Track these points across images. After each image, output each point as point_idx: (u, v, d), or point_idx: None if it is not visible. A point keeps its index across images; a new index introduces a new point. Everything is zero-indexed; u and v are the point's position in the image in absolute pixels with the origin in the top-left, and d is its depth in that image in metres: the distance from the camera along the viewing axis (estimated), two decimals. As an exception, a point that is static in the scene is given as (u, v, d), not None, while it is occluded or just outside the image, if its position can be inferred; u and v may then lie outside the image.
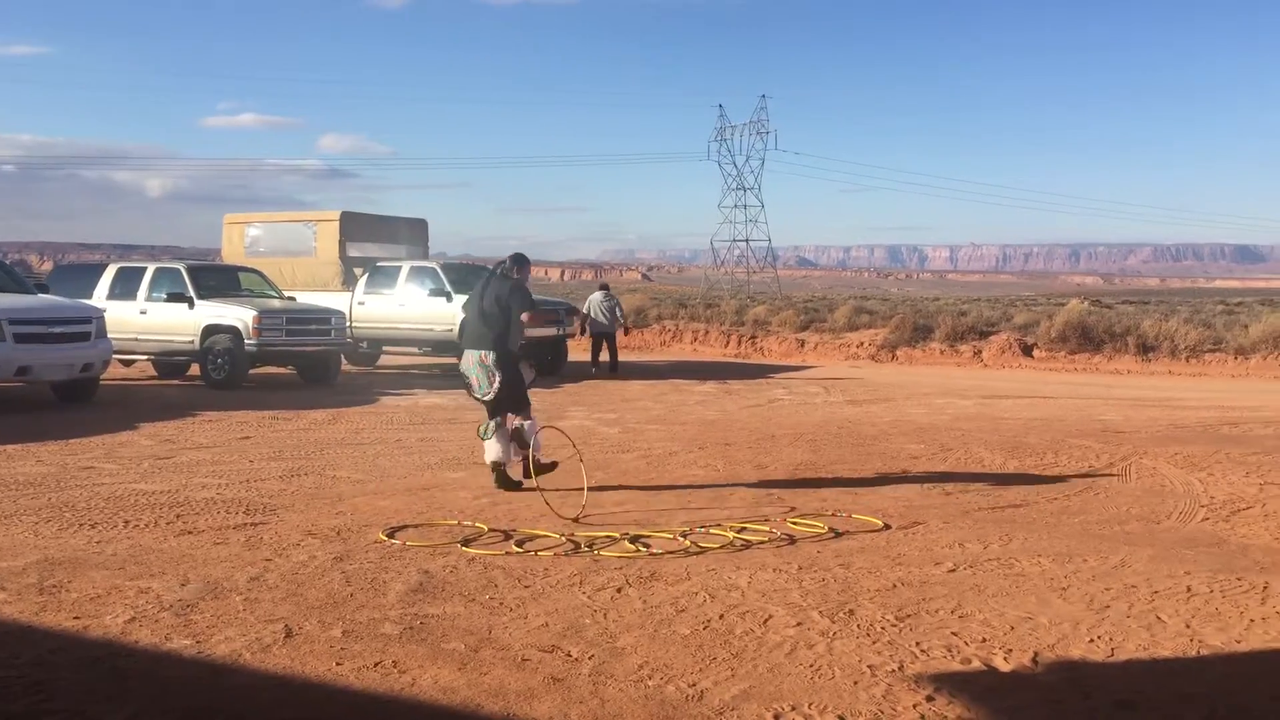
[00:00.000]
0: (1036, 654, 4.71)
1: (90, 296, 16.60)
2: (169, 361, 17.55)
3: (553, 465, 8.39)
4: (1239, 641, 4.91)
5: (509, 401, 8.35)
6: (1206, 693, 4.27)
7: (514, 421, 8.38)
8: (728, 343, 28.29)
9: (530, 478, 8.17)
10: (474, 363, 8.37)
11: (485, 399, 8.36)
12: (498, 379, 8.26)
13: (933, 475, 9.22)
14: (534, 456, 8.23)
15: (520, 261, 8.64)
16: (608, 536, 6.77)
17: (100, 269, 18.21)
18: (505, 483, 8.33)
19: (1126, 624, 5.13)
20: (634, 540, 6.66)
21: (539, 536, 6.77)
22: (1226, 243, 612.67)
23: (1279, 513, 7.72)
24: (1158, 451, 10.52)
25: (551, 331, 19.30)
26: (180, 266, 17.52)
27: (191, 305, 16.46)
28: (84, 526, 6.93)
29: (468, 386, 8.50)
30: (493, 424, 8.38)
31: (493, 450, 8.39)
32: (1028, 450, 10.69)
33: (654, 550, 6.45)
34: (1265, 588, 5.75)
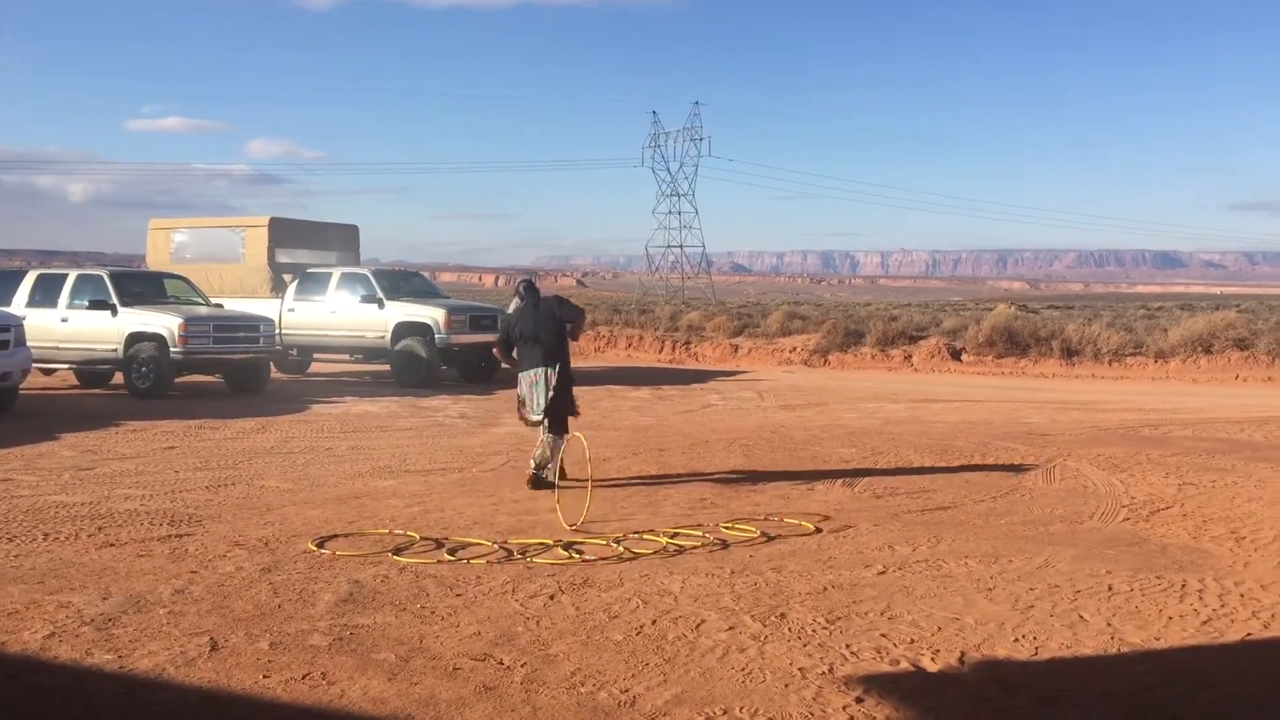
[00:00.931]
0: (963, 654, 4.79)
1: (9, 304, 16.20)
2: (92, 370, 17.13)
3: (550, 486, 8.53)
4: (1158, 639, 5.03)
5: (563, 410, 8.82)
6: (1127, 689, 4.38)
7: (545, 436, 8.76)
8: (662, 348, 28.36)
9: (544, 487, 8.54)
10: (531, 384, 8.80)
11: (541, 411, 8.72)
12: (554, 389, 8.71)
13: (864, 479, 9.33)
14: (548, 470, 8.70)
15: (535, 286, 9.43)
16: (540, 544, 6.76)
17: (19, 276, 17.72)
18: (540, 483, 8.65)
19: (1050, 623, 5.24)
20: (567, 547, 6.65)
21: (471, 544, 6.74)
22: (1148, 249, 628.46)
23: (1197, 512, 7.93)
24: (1081, 453, 10.76)
25: (487, 338, 19.21)
26: (103, 273, 17.15)
27: (115, 313, 16.10)
28: (1, 540, 6.75)
29: (522, 411, 8.91)
30: (559, 442, 8.76)
31: (542, 459, 8.77)
32: (956, 453, 10.87)
33: (587, 557, 6.45)
34: (1183, 586, 5.90)
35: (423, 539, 6.88)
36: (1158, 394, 18.58)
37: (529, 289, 9.31)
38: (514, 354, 9.08)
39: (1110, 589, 5.84)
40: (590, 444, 8.72)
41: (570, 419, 8.94)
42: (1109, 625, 5.21)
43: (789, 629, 5.11)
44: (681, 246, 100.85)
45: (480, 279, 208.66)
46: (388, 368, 18.93)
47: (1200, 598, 5.68)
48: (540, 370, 8.75)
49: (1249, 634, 5.12)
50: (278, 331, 17.96)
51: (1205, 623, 5.27)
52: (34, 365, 14.65)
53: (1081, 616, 5.35)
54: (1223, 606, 5.53)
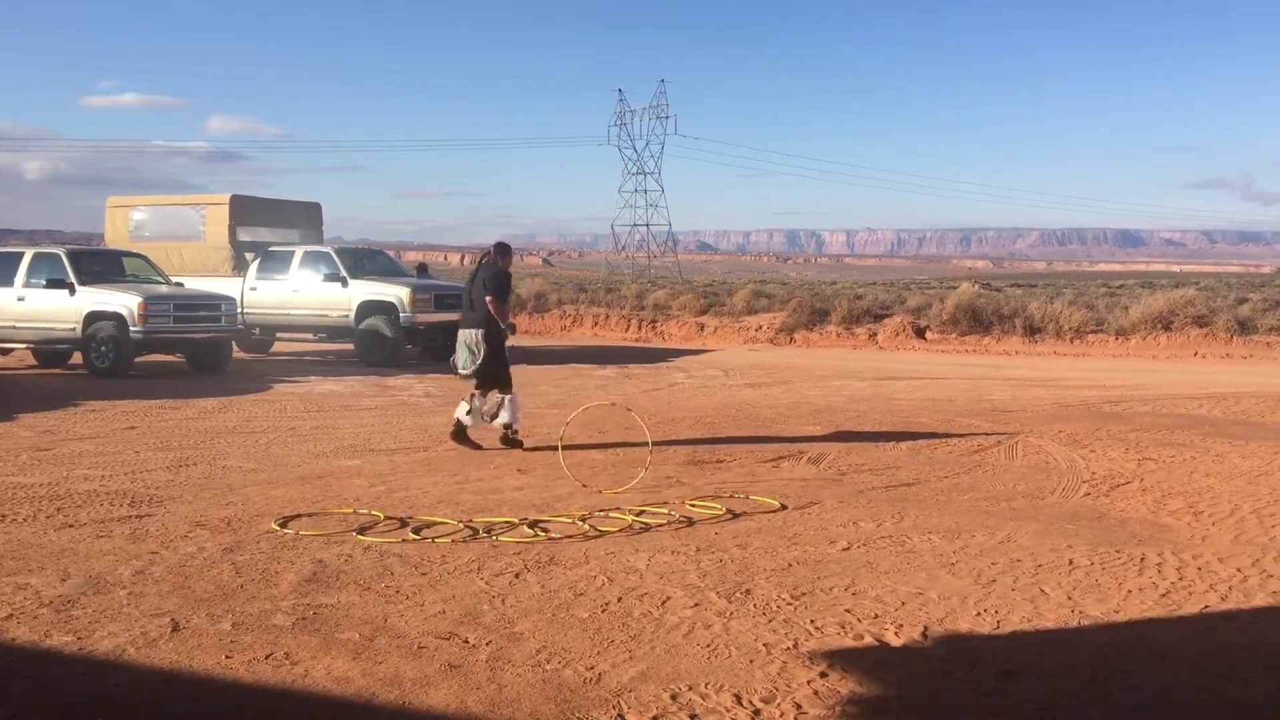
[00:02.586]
0: (926, 628, 4.82)
1: (-36, 283, 15.92)
2: (50, 350, 16.90)
3: (519, 444, 9.55)
4: (1117, 611, 5.10)
5: (490, 378, 9.50)
6: (1087, 660, 4.43)
7: (494, 396, 9.52)
8: (628, 327, 28.35)
9: (512, 447, 9.48)
10: (462, 342, 9.55)
11: (465, 373, 9.56)
12: (481, 356, 9.43)
13: (829, 456, 9.37)
14: (512, 430, 9.57)
15: (503, 250, 9.87)
16: (506, 522, 6.74)
17: (-25, 254, 17.44)
18: (461, 437, 9.53)
19: (1012, 597, 5.29)
20: (532, 525, 6.64)
21: (436, 523, 6.71)
22: (1109, 227, 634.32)
23: (1156, 487, 8.03)
24: (1043, 430, 10.86)
25: (452, 316, 19.09)
26: (60, 251, 16.90)
27: (73, 291, 15.87)
28: (-43, 522, 6.64)
29: (452, 364, 9.74)
30: (474, 396, 9.55)
31: (462, 410, 9.56)
32: (920, 430, 10.94)
33: (552, 535, 6.44)
34: (1142, 559, 5.98)
35: (387, 518, 6.85)
36: (1118, 371, 18.79)
37: (498, 251, 9.87)
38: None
39: (1071, 563, 5.90)
40: (556, 423, 8.75)
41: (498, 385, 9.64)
42: (1070, 599, 5.27)
43: (754, 605, 5.13)
44: (648, 225, 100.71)
45: (446, 258, 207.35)
46: (352, 347, 18.80)
47: (1159, 571, 5.76)
48: (471, 332, 9.57)
49: (1207, 606, 5.19)
50: (240, 310, 17.77)
51: (1164, 595, 5.34)
52: (-10, 345, 14.42)
53: (1043, 590, 5.40)
54: (1181, 580, 5.61)
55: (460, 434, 9.57)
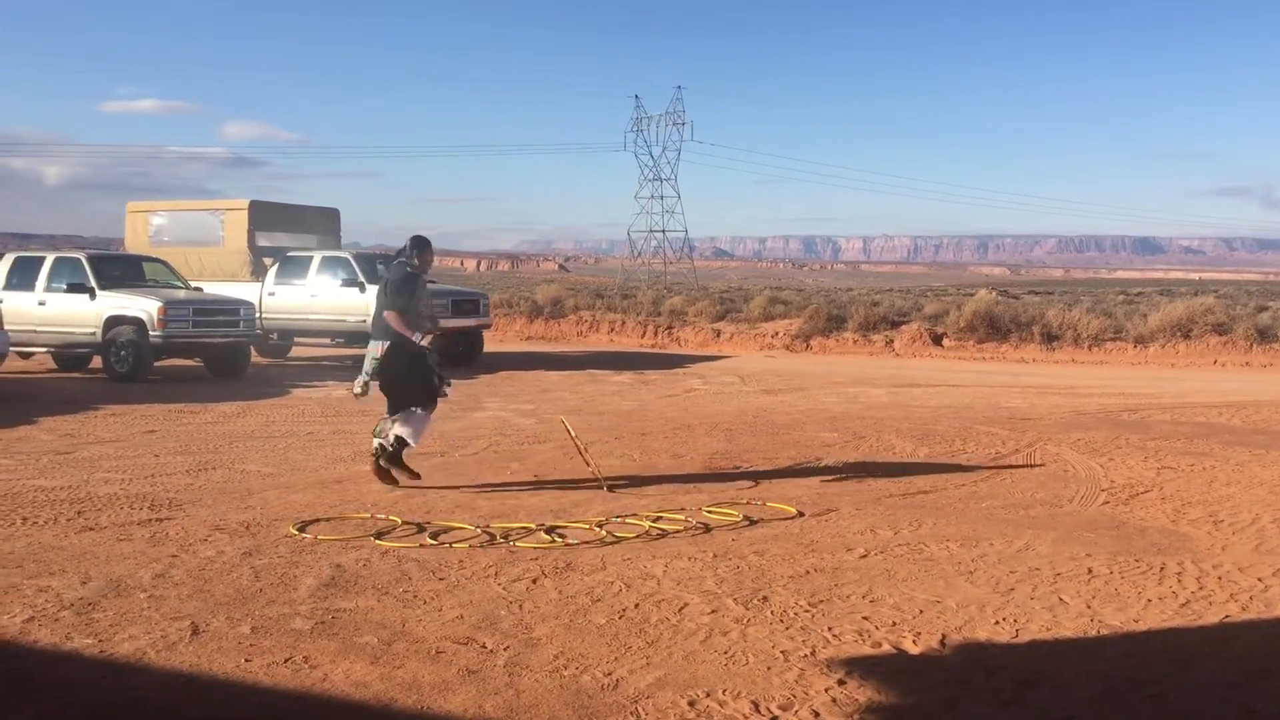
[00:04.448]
0: (944, 636, 4.81)
1: (-14, 287, 16.05)
2: (70, 354, 16.99)
3: (415, 475, 8.00)
4: (1137, 621, 5.07)
5: (402, 397, 7.94)
6: (1105, 670, 4.41)
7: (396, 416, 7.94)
8: (644, 333, 28.35)
9: (391, 475, 7.98)
10: (368, 354, 8.07)
11: (357, 392, 8.06)
12: (383, 371, 7.91)
13: (845, 463, 9.36)
14: (403, 453, 7.98)
15: (420, 245, 8.11)
16: (523, 528, 6.75)
17: (-4, 258, 17.58)
18: (381, 474, 8.00)
19: (1030, 605, 5.27)
20: (549, 531, 6.65)
21: (453, 528, 6.72)
22: (1128, 234, 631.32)
23: (1176, 496, 7.99)
24: (1061, 438, 10.81)
25: (470, 322, 19.18)
26: (81, 256, 17.00)
27: (93, 296, 15.97)
28: (-21, 524, 6.70)
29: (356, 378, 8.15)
30: (387, 422, 7.98)
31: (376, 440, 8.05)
32: (937, 437, 10.91)
33: (570, 541, 6.45)
34: (1162, 568, 5.95)
35: (405, 523, 6.87)
36: (1137, 379, 18.70)
37: (413, 246, 8.14)
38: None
39: (1090, 572, 5.87)
40: (574, 428, 8.72)
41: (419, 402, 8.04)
42: (1089, 607, 5.25)
43: (771, 612, 5.12)
44: (664, 231, 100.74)
45: (462, 263, 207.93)
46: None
47: (1179, 580, 5.73)
48: (376, 344, 8.01)
49: (1227, 616, 5.16)
50: (258, 315, 17.85)
51: (1184, 605, 5.31)
52: (11, 349, 14.54)
53: (1061, 599, 5.38)
54: (1201, 589, 5.58)
55: (393, 461, 8.03)
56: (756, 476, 8.73)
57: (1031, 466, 9.26)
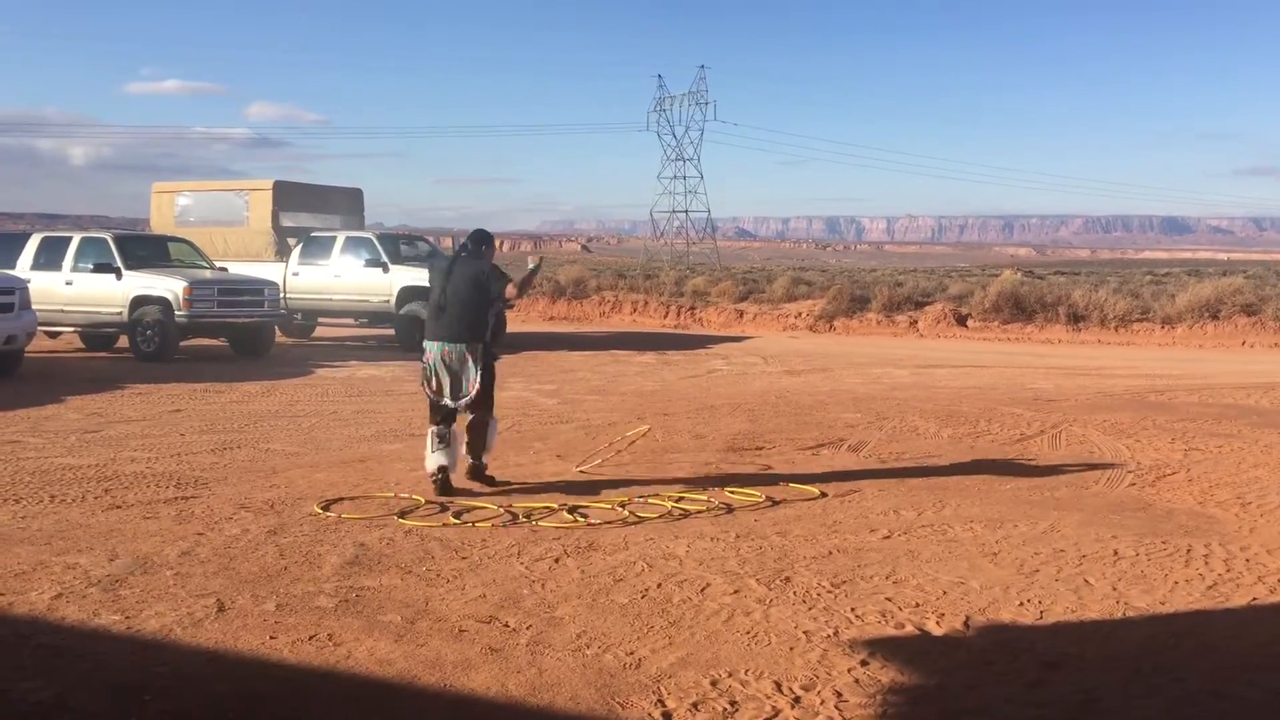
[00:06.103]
0: (968, 618, 4.79)
1: (13, 267, 16.17)
2: (96, 334, 17.14)
3: (492, 480, 7.43)
4: (1163, 603, 5.03)
5: (484, 402, 7.31)
6: (1132, 653, 4.38)
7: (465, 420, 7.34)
8: (667, 314, 28.31)
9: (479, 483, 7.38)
10: (439, 361, 7.23)
11: (459, 404, 7.22)
12: (477, 378, 7.19)
13: (869, 443, 9.32)
14: (484, 463, 7.46)
15: (487, 240, 7.52)
16: (546, 507, 6.76)
17: (23, 239, 17.68)
18: (448, 489, 7.11)
19: (1055, 587, 5.24)
20: (572, 511, 6.66)
21: (477, 508, 6.74)
22: (1155, 214, 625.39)
23: (1202, 478, 7.92)
24: (1087, 419, 10.73)
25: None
26: (107, 236, 17.12)
27: (119, 276, 16.07)
28: (8, 502, 6.77)
29: (433, 388, 7.24)
30: (444, 430, 7.22)
31: (441, 457, 7.16)
32: (961, 418, 10.85)
33: (592, 520, 6.45)
34: (1189, 551, 5.90)
35: (428, 502, 6.89)
36: (1164, 360, 18.54)
37: (478, 240, 7.50)
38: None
39: (1116, 554, 5.83)
40: (596, 408, 8.73)
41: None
42: (1114, 590, 5.21)
43: (794, 593, 5.11)
44: (686, 211, 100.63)
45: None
46: (392, 332, 18.91)
47: (1206, 563, 5.68)
48: (454, 348, 7.22)
49: (1255, 599, 5.12)
50: (282, 295, 17.93)
51: (1211, 587, 5.27)
52: (39, 328, 14.65)
53: (1087, 581, 5.34)
54: (1228, 571, 5.53)
55: (447, 487, 7.16)
56: (779, 457, 8.71)
57: (1057, 448, 9.19)
